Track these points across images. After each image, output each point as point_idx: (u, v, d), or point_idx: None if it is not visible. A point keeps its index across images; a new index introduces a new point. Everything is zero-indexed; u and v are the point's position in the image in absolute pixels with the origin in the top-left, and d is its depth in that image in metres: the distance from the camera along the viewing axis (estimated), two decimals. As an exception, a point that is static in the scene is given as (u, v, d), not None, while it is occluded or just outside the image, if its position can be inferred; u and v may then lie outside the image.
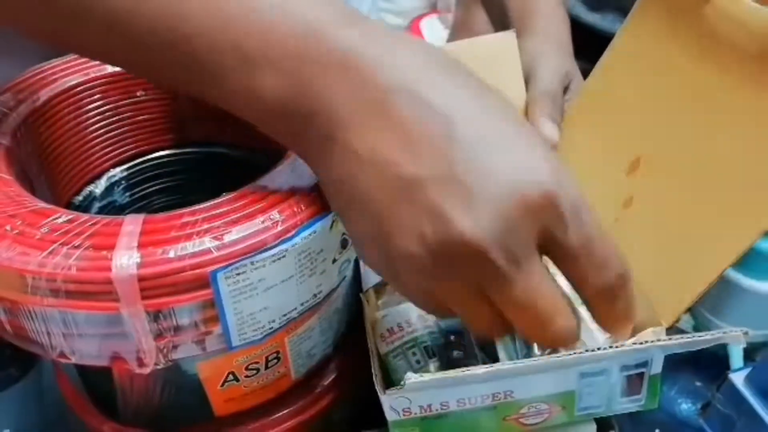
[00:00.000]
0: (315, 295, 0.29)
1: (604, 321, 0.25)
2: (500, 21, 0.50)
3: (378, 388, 0.29)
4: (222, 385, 0.31)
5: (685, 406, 0.46)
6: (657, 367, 0.30)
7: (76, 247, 0.24)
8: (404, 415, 0.29)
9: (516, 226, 0.20)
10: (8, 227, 0.25)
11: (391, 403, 0.29)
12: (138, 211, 0.40)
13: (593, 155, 0.40)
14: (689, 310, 0.46)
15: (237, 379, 0.31)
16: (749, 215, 0.29)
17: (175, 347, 0.26)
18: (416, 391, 0.28)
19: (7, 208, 0.26)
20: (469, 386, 0.29)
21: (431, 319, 0.33)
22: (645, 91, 0.38)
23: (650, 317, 0.32)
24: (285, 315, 0.28)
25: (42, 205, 0.27)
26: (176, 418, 0.32)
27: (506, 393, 0.29)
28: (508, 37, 0.43)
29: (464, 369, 0.28)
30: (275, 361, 0.31)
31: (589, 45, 0.64)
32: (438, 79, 0.21)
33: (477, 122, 0.21)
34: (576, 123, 0.42)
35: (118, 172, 0.38)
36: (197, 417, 0.32)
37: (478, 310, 0.23)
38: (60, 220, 0.26)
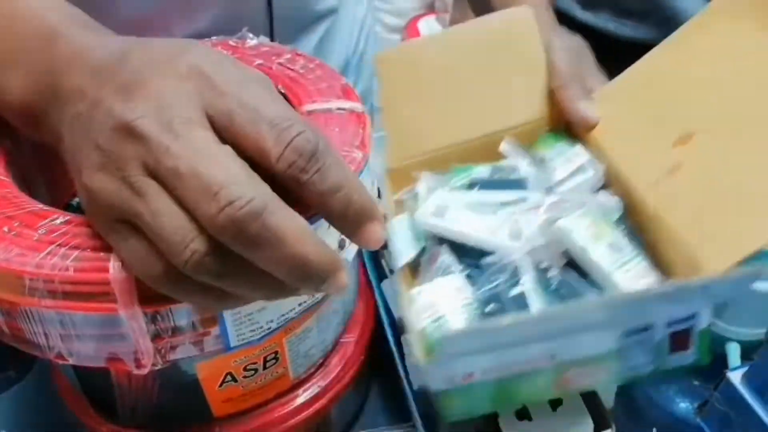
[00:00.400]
0: (313, 295, 0.29)
1: (325, 212, 0.23)
2: (483, 12, 0.50)
3: (419, 361, 0.28)
4: (220, 385, 0.31)
5: (683, 405, 0.46)
6: (704, 321, 0.30)
7: (74, 248, 0.24)
8: (448, 383, 0.29)
9: (169, 100, 0.22)
10: (6, 228, 0.25)
11: (435, 373, 0.28)
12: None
13: (639, 125, 0.39)
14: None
15: (235, 380, 0.31)
16: None
17: (172, 348, 0.26)
18: (458, 358, 0.27)
19: (5, 210, 0.26)
20: (511, 351, 0.28)
21: (468, 291, 0.33)
22: (710, 71, 0.37)
23: (692, 269, 0.31)
24: (283, 315, 0.28)
25: (40, 206, 0.27)
26: (175, 418, 0.32)
27: (550, 356, 0.29)
28: (524, 10, 0.43)
29: (504, 318, 0.27)
30: (273, 361, 0.31)
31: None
32: (137, 42, 0.26)
33: (147, 51, 0.24)
34: (625, 92, 0.41)
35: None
36: (196, 417, 0.32)
37: (160, 208, 0.21)
38: (58, 222, 0.26)
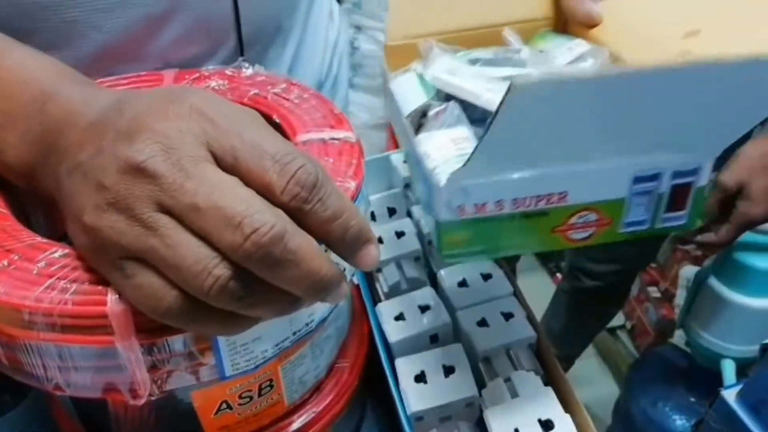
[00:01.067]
0: (307, 324, 0.30)
1: (326, 237, 0.24)
2: None
3: (432, 185, 0.28)
4: (216, 413, 0.31)
5: (680, 422, 0.46)
6: (704, 179, 0.30)
7: (73, 282, 0.25)
8: (458, 213, 0.29)
9: (174, 140, 0.23)
10: (5, 262, 0.26)
11: (449, 196, 0.28)
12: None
13: (644, 25, 0.39)
14: (683, 325, 0.46)
15: (230, 407, 0.31)
16: None
17: (168, 378, 0.27)
18: (475, 180, 0.27)
19: (5, 243, 0.27)
20: (526, 183, 0.28)
21: (475, 142, 0.32)
22: None
23: None
24: (277, 345, 0.29)
25: (39, 239, 0.27)
26: (170, 446, 0.32)
27: (560, 195, 0.29)
28: None
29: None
30: (268, 388, 0.32)
31: None
32: (130, 93, 0.27)
33: (142, 99, 0.25)
34: None
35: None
36: (191, 445, 0.32)
37: (177, 240, 0.22)
38: (57, 255, 0.26)
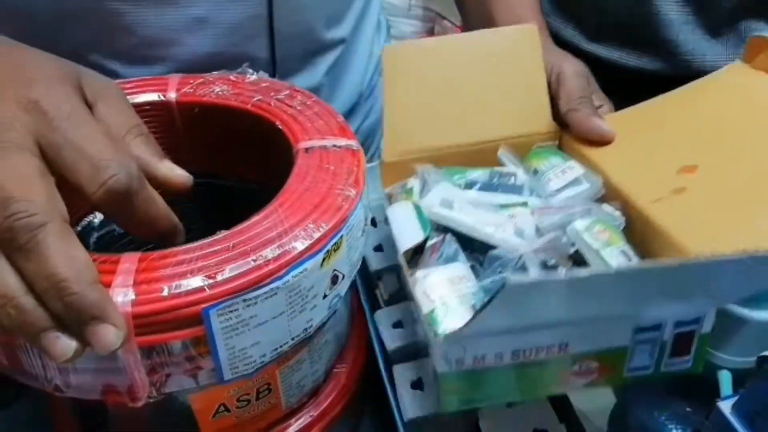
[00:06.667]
0: (306, 330, 0.30)
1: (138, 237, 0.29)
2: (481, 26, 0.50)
3: (430, 337, 0.28)
4: (214, 415, 0.31)
5: (677, 433, 0.46)
6: (708, 326, 0.30)
7: (73, 284, 0.25)
8: (456, 366, 0.28)
9: (53, 89, 0.26)
10: (7, 263, 0.26)
11: (447, 350, 0.28)
12: (135, 239, 0.40)
13: (640, 153, 0.40)
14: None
15: (228, 410, 0.31)
16: None
17: (167, 381, 0.27)
18: (473, 339, 0.27)
19: (7, 245, 0.27)
20: (526, 335, 0.28)
21: (472, 279, 0.33)
22: (718, 120, 0.39)
23: None
24: (276, 349, 0.29)
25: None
26: (168, 447, 0.33)
27: (561, 345, 0.29)
28: (529, 28, 0.44)
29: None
30: (266, 392, 0.32)
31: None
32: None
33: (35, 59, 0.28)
34: (629, 123, 0.43)
35: (116, 202, 0.39)
36: (189, 446, 0.33)
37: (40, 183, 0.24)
38: (58, 257, 0.26)
